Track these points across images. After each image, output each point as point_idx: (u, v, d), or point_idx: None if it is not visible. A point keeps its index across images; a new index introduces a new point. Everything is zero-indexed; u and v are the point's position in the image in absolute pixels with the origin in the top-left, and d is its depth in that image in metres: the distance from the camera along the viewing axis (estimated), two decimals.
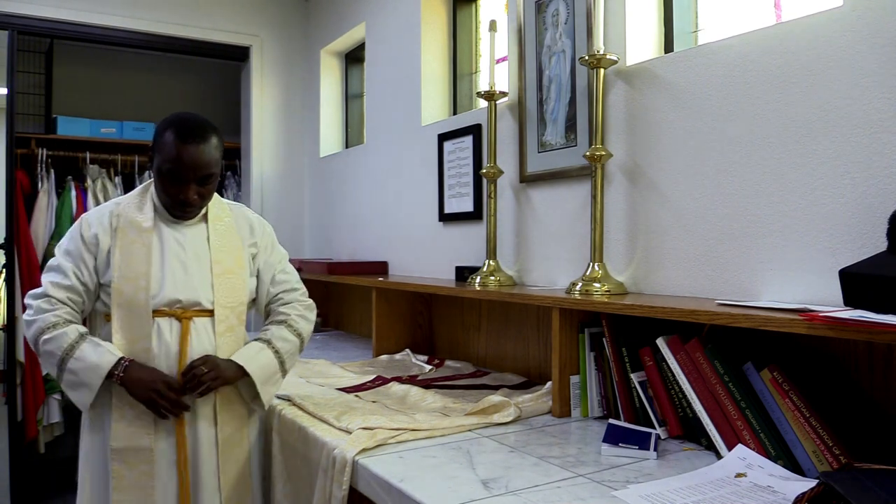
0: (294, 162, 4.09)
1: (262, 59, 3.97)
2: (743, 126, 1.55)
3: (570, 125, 2.03)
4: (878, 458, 1.21)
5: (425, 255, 2.81)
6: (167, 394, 1.54)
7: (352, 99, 3.92)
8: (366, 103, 3.41)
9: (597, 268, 1.78)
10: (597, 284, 1.75)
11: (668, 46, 1.89)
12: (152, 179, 1.70)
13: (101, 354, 1.55)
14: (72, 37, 3.58)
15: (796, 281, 1.44)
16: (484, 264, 2.23)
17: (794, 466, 1.24)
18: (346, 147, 3.91)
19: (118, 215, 1.66)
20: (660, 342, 1.48)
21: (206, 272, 1.67)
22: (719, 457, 1.33)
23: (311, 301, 1.86)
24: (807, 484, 1.11)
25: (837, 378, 1.34)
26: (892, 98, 1.28)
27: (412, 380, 2.10)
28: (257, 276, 1.81)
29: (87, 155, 3.81)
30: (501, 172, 2.24)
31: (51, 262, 1.65)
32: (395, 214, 3.06)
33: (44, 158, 3.68)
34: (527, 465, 1.32)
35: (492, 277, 2.17)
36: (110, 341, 1.59)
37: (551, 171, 2.10)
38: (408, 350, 2.58)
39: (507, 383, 2.05)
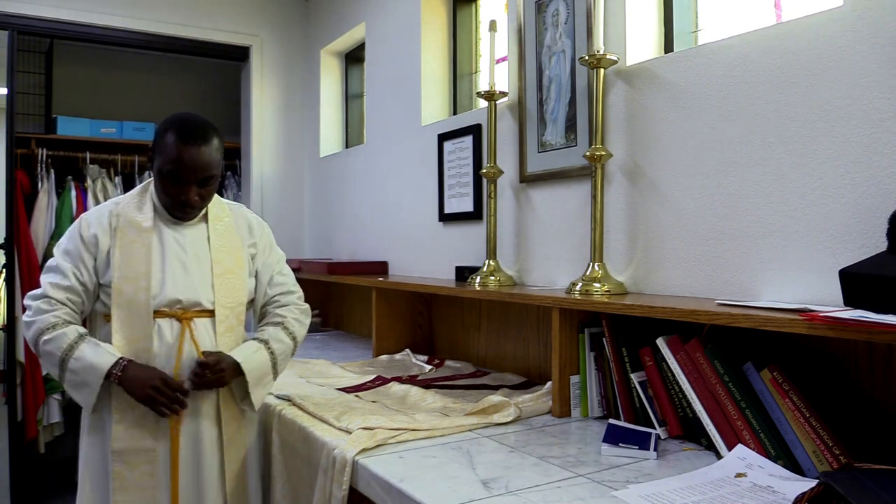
0: (294, 162, 4.09)
1: (262, 59, 3.97)
2: (743, 126, 1.55)
3: (570, 125, 2.03)
4: (878, 458, 1.21)
5: (425, 255, 2.81)
6: (165, 391, 1.53)
7: (352, 99, 3.92)
8: (366, 103, 3.41)
9: (597, 268, 1.78)
10: (597, 284, 1.75)
11: (668, 46, 1.89)
12: (151, 179, 1.70)
13: (99, 355, 1.55)
14: (72, 37, 3.58)
15: (796, 281, 1.44)
16: (484, 264, 2.23)
17: (794, 466, 1.24)
18: (346, 147, 3.91)
19: (118, 215, 1.66)
20: (660, 342, 1.48)
21: (207, 272, 1.67)
22: (719, 457, 1.33)
23: (307, 305, 1.86)
24: (807, 484, 1.11)
25: (837, 378, 1.34)
26: (892, 98, 1.28)
27: (412, 380, 2.10)
28: (255, 277, 1.81)
29: (87, 155, 3.81)
30: (501, 172, 2.24)
31: (50, 262, 1.64)
32: (395, 214, 3.06)
33: (44, 158, 3.68)
34: (527, 465, 1.32)
35: (492, 277, 2.17)
36: (110, 342, 1.58)
37: (551, 171, 2.10)
38: (408, 350, 2.58)
39: (507, 383, 2.05)
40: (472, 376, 2.19)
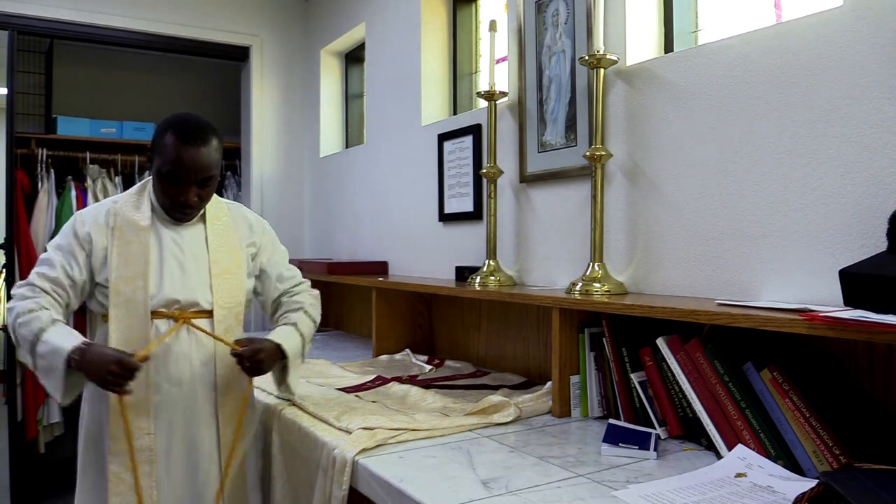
0: (294, 162, 4.09)
1: (262, 59, 3.97)
2: (743, 126, 1.55)
3: (570, 125, 2.03)
4: (878, 458, 1.21)
5: (425, 255, 2.81)
6: (117, 371, 1.45)
7: (352, 99, 3.92)
8: (366, 103, 3.41)
9: (597, 268, 1.78)
10: (597, 284, 1.75)
11: (668, 46, 1.89)
12: (149, 178, 1.69)
13: (63, 338, 1.50)
14: (72, 37, 3.58)
15: (796, 281, 1.44)
16: (484, 264, 2.23)
17: (794, 466, 1.24)
18: (346, 147, 3.91)
19: (115, 214, 1.65)
20: (660, 342, 1.48)
21: (204, 272, 1.67)
22: (719, 457, 1.33)
23: (316, 291, 1.92)
24: (807, 484, 1.11)
25: (837, 378, 1.34)
26: (892, 98, 1.28)
27: (412, 380, 2.10)
28: (261, 275, 1.82)
29: (87, 155, 3.81)
30: (501, 172, 2.24)
31: (42, 255, 1.64)
32: (395, 214, 3.06)
33: (44, 158, 3.68)
34: (527, 465, 1.32)
35: (492, 277, 2.17)
36: (107, 342, 1.58)
37: (551, 171, 2.10)
38: (408, 350, 2.58)
39: (507, 383, 2.05)
40: (472, 376, 2.19)
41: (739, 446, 1.29)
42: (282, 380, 1.76)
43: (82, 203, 3.69)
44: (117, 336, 1.57)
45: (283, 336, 1.71)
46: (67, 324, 1.59)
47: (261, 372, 1.65)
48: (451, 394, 1.92)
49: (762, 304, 1.39)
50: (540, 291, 1.92)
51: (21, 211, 3.50)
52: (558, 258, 2.09)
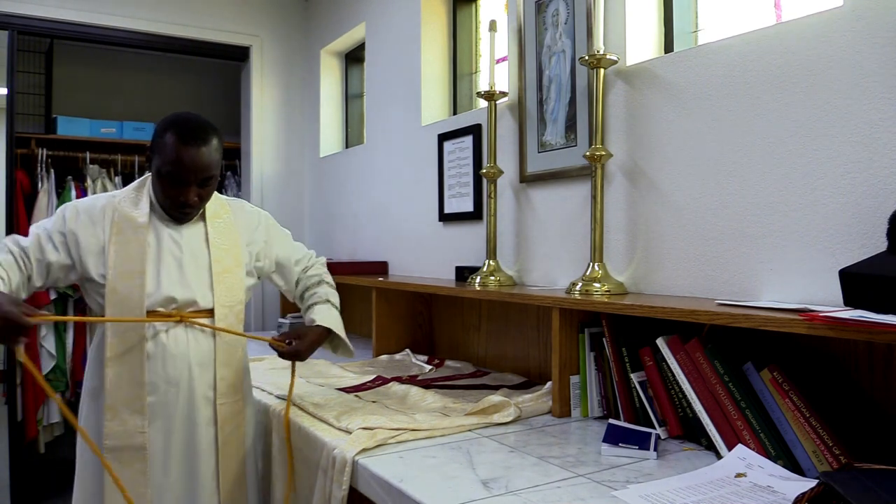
0: (294, 162, 4.09)
1: (262, 59, 3.97)
2: (743, 126, 1.55)
3: (570, 125, 2.03)
4: (878, 458, 1.21)
5: (425, 255, 2.81)
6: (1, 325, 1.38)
7: (352, 99, 3.92)
8: (366, 103, 3.41)
9: (597, 268, 1.78)
10: (597, 284, 1.75)
11: (668, 46, 1.89)
12: (148, 174, 1.68)
13: None
14: (72, 37, 3.58)
15: (796, 281, 1.44)
16: (484, 264, 2.23)
17: (794, 466, 1.24)
18: (346, 147, 3.91)
19: (114, 209, 1.63)
20: (660, 342, 1.48)
21: (203, 271, 1.65)
22: (719, 457, 1.33)
23: (322, 258, 2.03)
24: (807, 484, 1.11)
25: (837, 378, 1.34)
26: (892, 98, 1.28)
27: (412, 380, 2.10)
28: (279, 268, 1.88)
29: (87, 155, 3.80)
30: (501, 172, 2.24)
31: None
32: (395, 214, 3.06)
33: (44, 158, 3.68)
34: (527, 465, 1.32)
35: (492, 277, 2.17)
36: (104, 340, 1.57)
37: (551, 171, 2.10)
38: (408, 350, 2.58)
39: (507, 383, 2.05)
40: (472, 376, 2.19)
41: (739, 446, 1.29)
42: (335, 347, 1.87)
43: None
44: (112, 334, 1.56)
45: (324, 316, 1.82)
46: (15, 292, 1.53)
47: (301, 359, 1.76)
48: (451, 394, 1.92)
49: (762, 304, 1.39)
50: (540, 291, 1.92)
51: (21, 211, 3.50)
52: (558, 258, 2.09)
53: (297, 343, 1.72)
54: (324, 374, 2.24)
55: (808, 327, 1.15)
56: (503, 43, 2.37)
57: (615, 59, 1.80)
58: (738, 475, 1.21)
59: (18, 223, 3.45)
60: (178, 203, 1.60)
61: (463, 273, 2.41)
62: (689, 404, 1.43)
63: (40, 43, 3.81)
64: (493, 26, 2.17)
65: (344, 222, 3.60)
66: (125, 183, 3.88)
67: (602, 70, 1.80)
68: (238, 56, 3.99)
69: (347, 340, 1.86)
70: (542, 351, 2.08)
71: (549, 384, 1.82)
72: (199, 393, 1.62)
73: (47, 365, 3.48)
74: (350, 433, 1.50)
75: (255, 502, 1.74)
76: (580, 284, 1.77)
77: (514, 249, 2.29)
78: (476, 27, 2.89)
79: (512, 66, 2.29)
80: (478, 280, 2.19)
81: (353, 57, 3.88)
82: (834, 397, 1.33)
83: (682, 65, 1.70)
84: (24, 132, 3.67)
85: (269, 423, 1.80)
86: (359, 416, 1.60)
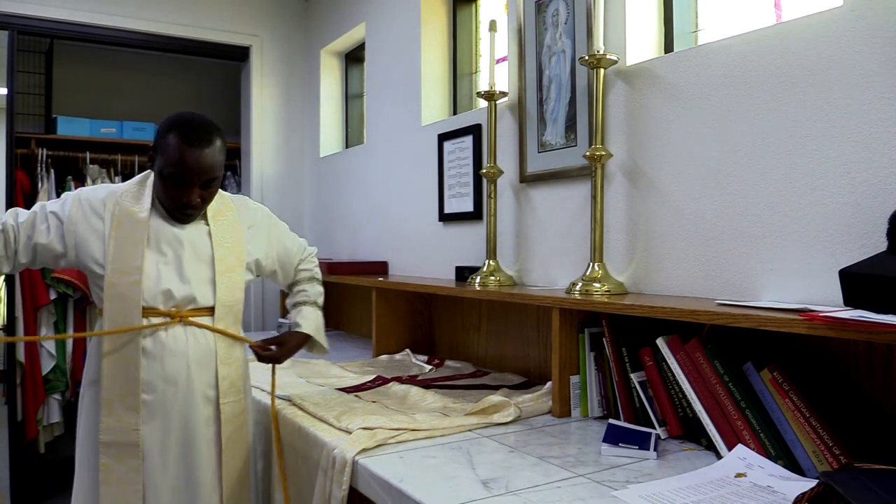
0: (294, 162, 4.09)
1: (262, 59, 3.97)
2: (743, 126, 1.55)
3: (570, 125, 2.03)
4: (878, 458, 1.21)
5: (425, 255, 2.81)
6: None
7: (352, 99, 3.92)
8: (366, 103, 3.41)
9: (597, 268, 1.78)
10: (597, 284, 1.75)
11: (668, 46, 1.89)
12: (149, 171, 1.67)
13: None
14: (72, 37, 3.58)
15: (796, 281, 1.44)
16: (484, 264, 2.23)
17: (794, 466, 1.24)
18: (346, 147, 3.91)
19: (115, 203, 1.62)
20: (660, 342, 1.48)
21: (204, 269, 1.64)
22: (719, 457, 1.33)
23: (312, 248, 2.00)
24: (807, 484, 1.11)
25: (837, 378, 1.34)
26: (892, 98, 1.28)
27: (412, 380, 2.10)
28: (279, 264, 1.87)
29: (87, 155, 3.80)
30: (501, 172, 2.24)
31: None
32: (395, 214, 3.06)
33: (44, 158, 3.68)
34: (527, 465, 1.32)
35: (492, 277, 2.17)
36: (101, 338, 1.57)
37: (551, 171, 2.10)
38: (408, 350, 2.58)
39: (507, 383, 2.05)
40: (472, 376, 2.19)
41: (739, 446, 1.29)
42: (311, 347, 1.89)
43: None
44: (109, 329, 1.56)
45: (308, 321, 1.86)
46: None
47: (279, 363, 1.81)
48: (451, 394, 1.92)
49: (762, 304, 1.39)
50: (540, 291, 1.92)
51: None
52: (558, 258, 2.09)
53: (277, 350, 1.78)
54: (324, 374, 2.24)
55: (808, 327, 1.15)
56: (503, 43, 2.37)
57: (615, 59, 1.80)
58: (738, 475, 1.21)
59: None
60: (181, 204, 1.58)
61: (463, 273, 2.41)
62: (689, 404, 1.43)
63: (40, 43, 3.81)
64: (493, 26, 2.17)
65: (344, 222, 3.60)
66: None
67: (602, 70, 1.80)
68: (238, 56, 3.99)
69: (325, 343, 1.90)
70: (542, 351, 2.08)
71: (549, 384, 1.82)
72: (197, 392, 1.61)
73: (47, 365, 3.48)
74: (350, 433, 1.50)
75: (256, 501, 1.74)
76: (580, 284, 1.77)
77: (514, 249, 2.29)
78: (476, 27, 2.89)
79: (512, 66, 2.29)
80: (478, 280, 2.19)
81: (353, 57, 3.88)
82: (834, 397, 1.33)
83: (682, 65, 1.70)
84: (24, 132, 3.67)
85: (269, 423, 1.80)
86: (359, 416, 1.60)
